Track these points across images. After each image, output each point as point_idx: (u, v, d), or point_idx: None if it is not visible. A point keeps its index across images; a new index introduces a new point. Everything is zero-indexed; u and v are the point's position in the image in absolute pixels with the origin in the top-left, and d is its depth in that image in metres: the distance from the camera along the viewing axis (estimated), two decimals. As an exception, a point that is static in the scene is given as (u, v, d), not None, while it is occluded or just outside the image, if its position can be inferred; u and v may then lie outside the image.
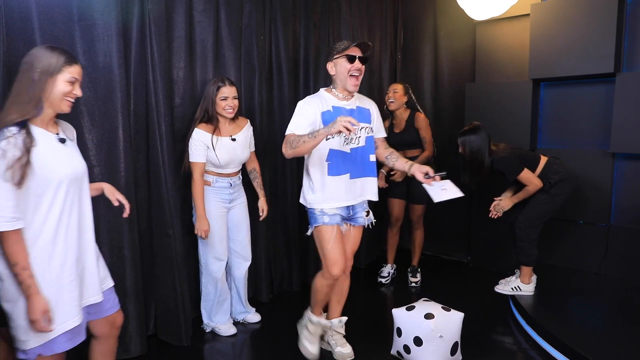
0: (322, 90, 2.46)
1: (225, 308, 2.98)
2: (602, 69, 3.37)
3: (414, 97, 3.73)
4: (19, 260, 1.56)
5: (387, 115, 3.69)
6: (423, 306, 2.46)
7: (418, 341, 2.36)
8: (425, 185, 2.32)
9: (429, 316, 2.35)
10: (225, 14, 3.06)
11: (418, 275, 3.80)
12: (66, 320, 1.68)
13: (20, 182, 1.55)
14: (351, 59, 2.29)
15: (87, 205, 1.80)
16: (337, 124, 1.99)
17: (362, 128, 2.40)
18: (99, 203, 2.43)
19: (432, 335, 2.29)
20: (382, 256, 3.98)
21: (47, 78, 1.66)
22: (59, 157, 1.69)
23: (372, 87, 4.26)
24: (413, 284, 3.75)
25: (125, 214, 2.00)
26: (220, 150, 2.75)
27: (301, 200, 2.50)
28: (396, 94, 3.59)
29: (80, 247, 1.75)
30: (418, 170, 2.33)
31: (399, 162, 2.49)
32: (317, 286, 2.47)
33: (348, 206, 2.42)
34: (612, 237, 3.54)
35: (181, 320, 2.79)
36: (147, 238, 2.80)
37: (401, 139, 3.62)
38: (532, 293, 3.23)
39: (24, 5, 2.22)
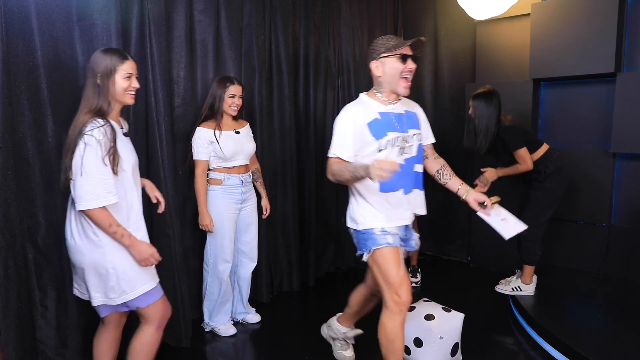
0: (362, 95, 2.18)
1: (226, 309, 2.98)
2: (602, 68, 3.37)
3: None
4: (112, 222, 1.85)
5: None
6: (423, 307, 2.45)
7: (418, 342, 2.35)
8: (483, 217, 2.15)
9: (429, 317, 2.34)
10: (226, 13, 3.06)
11: (418, 275, 3.79)
12: (152, 278, 2.00)
13: (114, 169, 1.85)
14: (404, 59, 2.02)
15: (140, 193, 2.07)
16: (372, 172, 1.76)
17: (413, 135, 2.13)
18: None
19: (432, 337, 2.28)
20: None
21: (107, 80, 1.89)
22: (126, 148, 1.97)
23: (371, 87, 4.24)
24: (413, 284, 3.75)
25: (160, 210, 2.23)
26: (225, 141, 2.78)
27: (349, 224, 2.18)
28: None
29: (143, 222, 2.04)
30: (474, 200, 2.13)
31: (452, 182, 2.24)
32: (390, 333, 2.04)
33: (405, 226, 2.17)
34: (612, 237, 3.53)
35: (180, 322, 2.79)
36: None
37: None
38: (532, 293, 3.23)
39: (23, 5, 2.21)
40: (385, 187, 2.05)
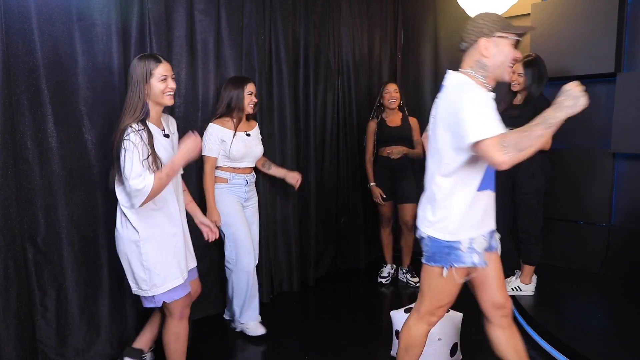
0: (461, 76, 1.78)
1: (254, 305, 2.94)
2: (602, 68, 3.37)
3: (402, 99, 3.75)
4: (164, 176, 1.97)
5: (380, 110, 3.69)
6: None
7: None
8: None
9: None
10: (226, 13, 3.06)
11: (416, 275, 3.80)
12: (178, 276, 2.12)
13: (153, 170, 1.96)
14: (516, 45, 1.76)
15: (180, 186, 2.25)
16: (574, 103, 1.56)
17: None
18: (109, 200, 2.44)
19: (431, 338, 2.26)
20: (381, 256, 3.97)
21: (144, 84, 2.01)
22: (165, 149, 2.09)
23: (371, 87, 4.25)
24: (412, 284, 3.75)
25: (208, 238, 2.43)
26: (236, 143, 2.80)
27: (427, 230, 1.82)
28: (397, 93, 3.62)
29: (180, 215, 2.19)
30: None
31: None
32: (415, 338, 1.92)
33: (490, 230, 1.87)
34: (612, 237, 3.53)
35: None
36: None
37: (399, 133, 3.61)
38: (532, 293, 3.23)
39: (23, 5, 2.21)
40: (484, 184, 1.75)
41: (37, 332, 2.41)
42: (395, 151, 3.57)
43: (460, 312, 2.45)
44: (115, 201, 2.12)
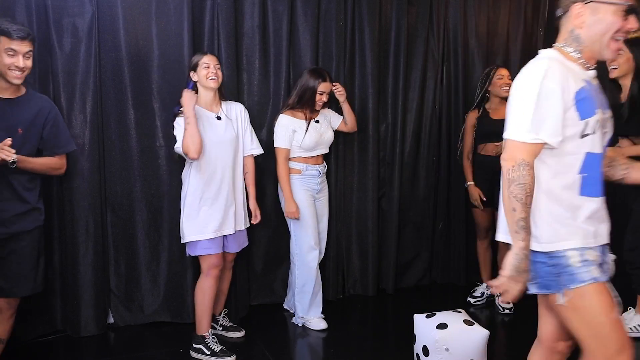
0: (551, 51, 1.51)
1: (318, 300, 2.92)
2: None
3: None
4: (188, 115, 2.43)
5: (484, 99, 3.18)
6: (444, 316, 2.11)
7: (425, 351, 2.07)
8: None
9: (441, 326, 2.00)
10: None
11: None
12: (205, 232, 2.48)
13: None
14: (629, 13, 1.43)
15: (238, 166, 2.63)
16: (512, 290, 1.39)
17: (609, 117, 1.55)
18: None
19: (437, 347, 1.95)
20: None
21: (194, 73, 2.49)
22: (214, 128, 2.51)
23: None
24: (500, 309, 3.08)
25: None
26: (310, 133, 2.84)
27: (528, 242, 1.40)
28: (511, 80, 3.05)
29: (231, 189, 2.56)
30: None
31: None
32: None
33: (602, 246, 1.51)
34: None
35: (231, 299, 2.90)
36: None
37: (503, 128, 3.03)
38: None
39: (113, 7, 2.70)
40: (587, 189, 1.44)
41: (110, 282, 2.84)
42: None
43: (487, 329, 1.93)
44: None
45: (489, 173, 3.07)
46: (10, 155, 1.87)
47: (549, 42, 3.85)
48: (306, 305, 2.86)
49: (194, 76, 2.50)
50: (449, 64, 3.53)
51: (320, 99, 2.83)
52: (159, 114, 2.83)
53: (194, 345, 2.50)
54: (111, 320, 2.83)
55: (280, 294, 3.20)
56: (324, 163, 2.96)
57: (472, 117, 3.21)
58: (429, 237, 3.58)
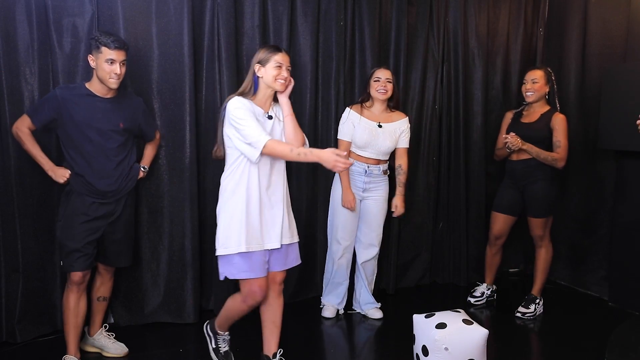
0: None
1: (339, 292, 3.02)
2: None
3: (555, 88, 3.05)
4: (284, 149, 2.07)
5: (520, 103, 3.17)
6: (443, 315, 2.10)
7: (425, 351, 2.06)
8: None
9: (440, 326, 1.99)
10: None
11: (533, 306, 3.04)
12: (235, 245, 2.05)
13: None
14: None
15: (280, 167, 2.21)
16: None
17: None
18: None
19: (436, 346, 1.96)
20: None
21: (261, 68, 2.15)
22: (264, 127, 2.13)
23: (489, 75, 3.66)
24: (519, 315, 3.04)
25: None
26: (362, 131, 2.87)
27: None
28: (536, 85, 2.96)
29: (271, 197, 2.15)
30: None
31: None
32: None
33: None
34: None
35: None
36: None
37: (528, 131, 2.96)
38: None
39: (113, 8, 2.70)
40: None
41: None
42: (511, 140, 2.88)
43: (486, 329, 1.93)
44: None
45: (518, 180, 3.06)
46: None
47: (549, 42, 3.88)
48: (325, 288, 3.07)
49: (259, 70, 2.16)
50: (449, 64, 3.53)
51: (379, 85, 2.84)
52: (159, 114, 2.83)
53: (209, 331, 2.40)
54: (111, 320, 2.83)
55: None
56: (379, 166, 2.91)
57: (507, 116, 3.20)
58: (429, 237, 3.58)
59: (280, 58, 2.14)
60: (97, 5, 2.65)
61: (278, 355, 2.28)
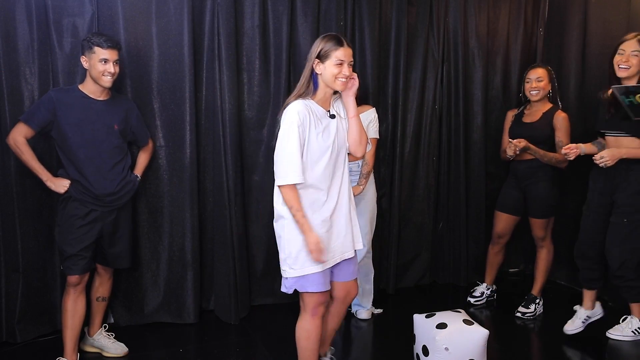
0: None
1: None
2: None
3: (557, 86, 3.07)
4: (294, 204, 1.91)
5: (520, 102, 3.18)
6: (444, 316, 2.11)
7: (425, 351, 2.08)
8: None
9: (440, 326, 2.01)
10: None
11: (533, 306, 3.04)
12: (314, 264, 1.94)
13: (302, 144, 1.91)
14: None
15: (343, 173, 2.05)
16: None
17: None
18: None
19: (437, 346, 1.97)
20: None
21: (317, 62, 1.94)
22: (328, 129, 1.97)
23: (489, 75, 3.64)
24: (519, 315, 3.04)
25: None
26: None
27: None
28: (541, 83, 2.96)
29: (334, 207, 2.00)
30: None
31: None
32: None
33: None
34: None
35: (232, 299, 2.90)
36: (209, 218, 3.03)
37: (530, 131, 2.97)
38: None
39: (113, 8, 2.70)
40: None
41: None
42: (512, 146, 2.88)
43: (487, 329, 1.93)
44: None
45: (520, 181, 3.06)
46: None
47: (549, 42, 3.86)
48: None
49: (318, 66, 1.94)
50: (449, 64, 3.52)
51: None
52: (159, 114, 2.83)
53: None
54: (111, 320, 2.83)
55: (281, 294, 3.16)
56: (358, 163, 2.87)
57: (508, 115, 3.21)
58: (429, 237, 3.58)
59: (341, 54, 1.92)
60: (97, 5, 2.65)
61: (329, 354, 2.28)
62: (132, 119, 2.52)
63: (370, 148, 2.68)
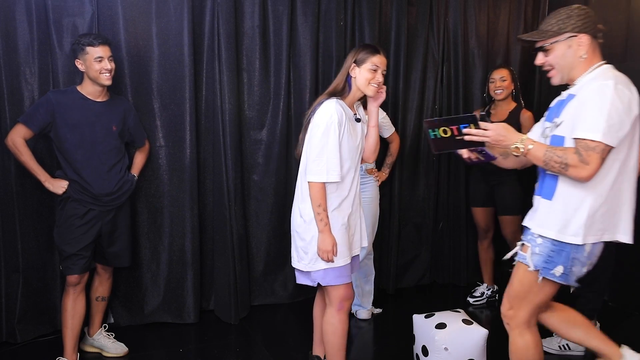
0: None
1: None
2: None
3: (518, 86, 3.14)
4: (321, 203, 1.93)
5: (484, 102, 3.21)
6: (443, 316, 2.11)
7: (425, 351, 2.08)
8: None
9: (440, 326, 2.01)
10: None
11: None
12: (340, 257, 1.97)
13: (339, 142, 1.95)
14: None
15: (357, 173, 2.08)
16: None
17: None
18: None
19: (436, 346, 1.97)
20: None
21: (354, 66, 2.02)
22: (355, 131, 2.05)
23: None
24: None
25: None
26: None
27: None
28: (504, 82, 3.05)
29: (354, 204, 2.06)
30: None
31: None
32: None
33: None
34: None
35: (232, 299, 2.90)
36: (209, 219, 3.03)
37: None
38: (582, 353, 2.39)
39: (113, 8, 2.70)
40: None
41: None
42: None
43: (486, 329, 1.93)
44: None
45: (487, 175, 3.11)
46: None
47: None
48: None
49: (353, 70, 2.02)
50: (449, 64, 3.52)
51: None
52: (159, 114, 2.83)
53: None
54: (111, 320, 2.83)
55: (281, 294, 3.21)
56: (362, 165, 2.81)
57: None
58: (429, 237, 3.58)
59: (377, 60, 2.00)
60: (97, 5, 2.65)
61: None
62: (130, 120, 2.53)
63: (394, 141, 2.98)
